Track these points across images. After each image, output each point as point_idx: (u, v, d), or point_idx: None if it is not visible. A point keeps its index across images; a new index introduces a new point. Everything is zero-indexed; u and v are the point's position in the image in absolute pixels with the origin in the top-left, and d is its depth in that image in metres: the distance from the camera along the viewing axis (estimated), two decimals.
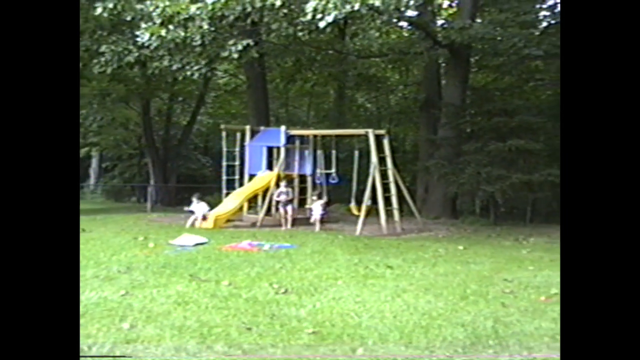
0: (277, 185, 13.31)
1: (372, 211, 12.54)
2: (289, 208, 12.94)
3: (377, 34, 18.46)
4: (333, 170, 14.29)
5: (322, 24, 9.43)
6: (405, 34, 20.77)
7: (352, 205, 13.38)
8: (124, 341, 4.18)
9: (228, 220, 13.04)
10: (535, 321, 4.91)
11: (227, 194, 14.05)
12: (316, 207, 12.89)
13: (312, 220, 12.91)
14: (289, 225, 12.79)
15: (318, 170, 14.18)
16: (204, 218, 12.78)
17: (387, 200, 12.51)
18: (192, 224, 12.55)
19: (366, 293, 5.90)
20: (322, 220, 12.87)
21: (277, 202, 13.24)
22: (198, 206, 13.04)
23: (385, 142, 12.83)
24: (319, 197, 13.21)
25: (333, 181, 14.36)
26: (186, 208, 13.69)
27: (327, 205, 13.53)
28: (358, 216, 12.40)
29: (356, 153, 14.33)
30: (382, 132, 13.26)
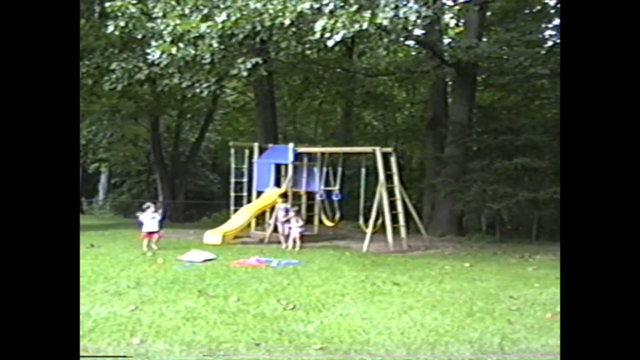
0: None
1: (379, 228, 12.53)
2: (287, 227, 12.69)
3: (384, 53, 18.55)
4: (337, 187, 14.33)
5: (330, 43, 9.52)
6: (413, 53, 20.90)
7: (361, 222, 13.33)
8: (134, 356, 4.23)
9: (236, 237, 13.08)
10: (542, 338, 4.94)
11: (235, 210, 14.10)
12: (293, 224, 12.34)
13: (291, 236, 12.26)
14: (284, 243, 12.37)
15: (321, 187, 14.19)
16: (150, 234, 10.68)
17: (394, 218, 12.53)
18: (148, 245, 10.53)
19: (373, 309, 5.93)
20: (301, 238, 12.22)
21: (275, 219, 13.00)
22: (144, 215, 10.80)
23: (392, 159, 12.87)
24: (297, 213, 12.60)
25: (336, 198, 14.38)
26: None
27: (304, 223, 12.86)
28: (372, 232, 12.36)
29: (363, 170, 14.40)
30: (389, 149, 13.32)
